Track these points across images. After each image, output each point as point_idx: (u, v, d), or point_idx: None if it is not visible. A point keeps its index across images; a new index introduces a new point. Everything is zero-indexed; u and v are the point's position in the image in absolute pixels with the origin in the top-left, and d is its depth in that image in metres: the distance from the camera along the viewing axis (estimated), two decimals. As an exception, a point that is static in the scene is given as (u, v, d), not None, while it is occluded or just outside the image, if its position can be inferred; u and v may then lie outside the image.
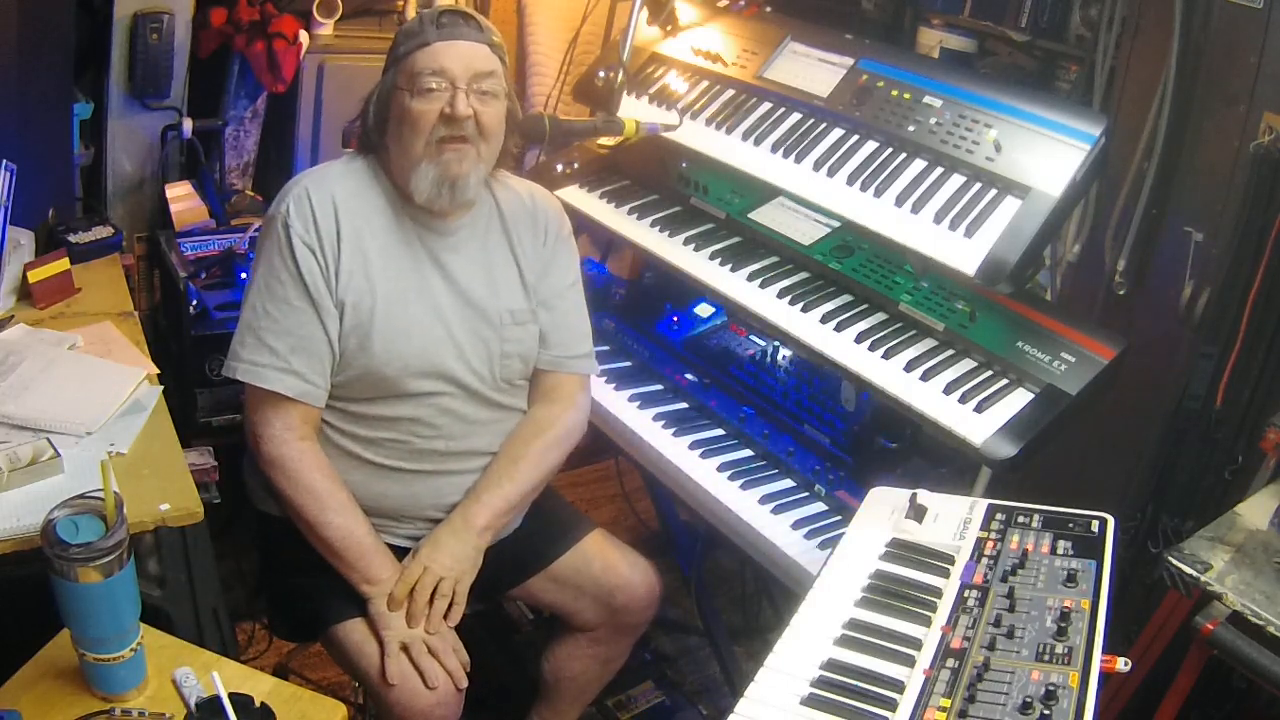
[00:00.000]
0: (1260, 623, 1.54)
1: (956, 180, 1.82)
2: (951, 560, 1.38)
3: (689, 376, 2.16)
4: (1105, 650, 1.17)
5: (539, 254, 1.79)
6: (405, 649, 1.61)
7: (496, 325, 1.73)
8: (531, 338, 1.78)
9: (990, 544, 1.39)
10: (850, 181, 1.91)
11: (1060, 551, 1.35)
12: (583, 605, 1.88)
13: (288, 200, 1.63)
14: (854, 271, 1.95)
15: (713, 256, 2.09)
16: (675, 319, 2.29)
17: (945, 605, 1.30)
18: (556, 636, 1.98)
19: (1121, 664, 1.16)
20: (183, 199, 2.57)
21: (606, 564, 1.87)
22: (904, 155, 1.90)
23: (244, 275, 2.46)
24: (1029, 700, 1.10)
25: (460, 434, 1.73)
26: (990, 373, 1.74)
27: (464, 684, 1.63)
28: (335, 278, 1.62)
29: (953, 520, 1.46)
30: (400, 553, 1.72)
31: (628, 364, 2.23)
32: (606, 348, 2.28)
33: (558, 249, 1.82)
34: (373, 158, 1.70)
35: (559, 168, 2.45)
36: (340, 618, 1.66)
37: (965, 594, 1.31)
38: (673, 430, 2.02)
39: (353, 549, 1.64)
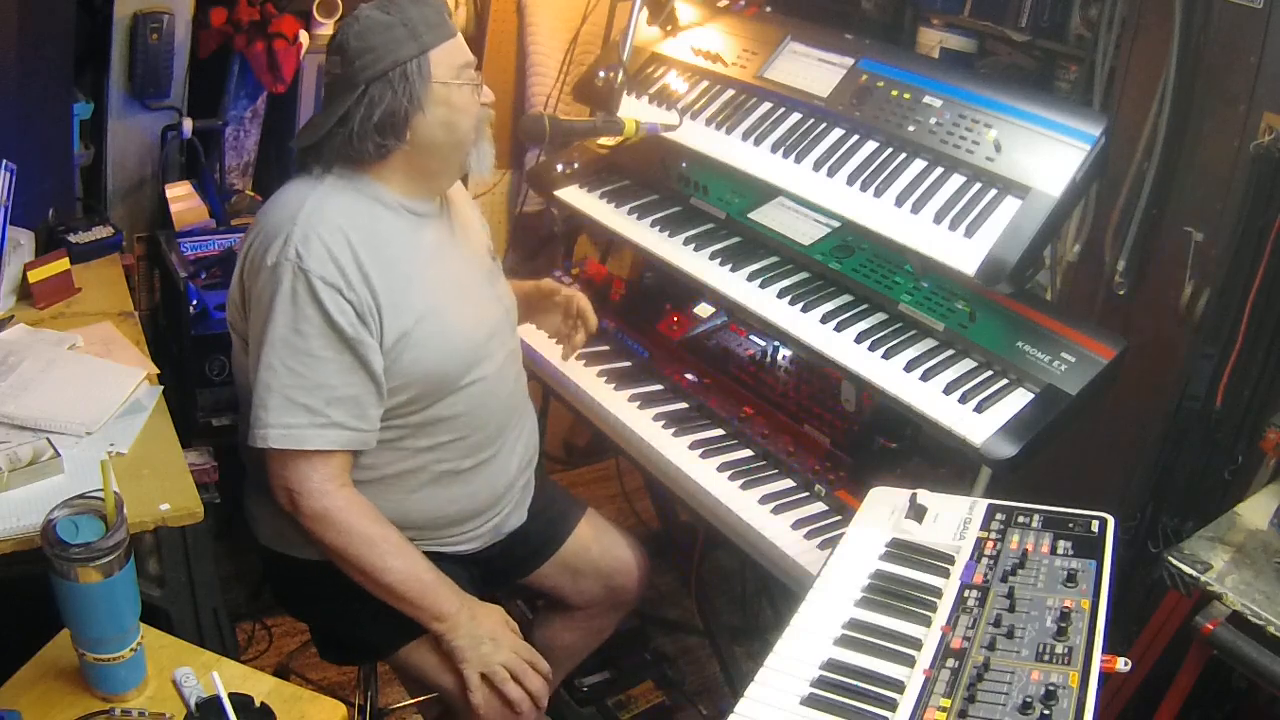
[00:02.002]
0: (1260, 623, 1.54)
1: (956, 180, 1.82)
2: (951, 560, 1.38)
3: (689, 376, 2.16)
4: (1105, 650, 1.17)
5: (470, 206, 1.85)
6: (485, 679, 1.61)
7: (490, 281, 1.77)
8: (507, 283, 1.85)
9: (990, 544, 1.39)
10: (850, 181, 1.91)
11: (1060, 551, 1.35)
12: (582, 586, 1.95)
13: (291, 245, 1.49)
14: (854, 271, 1.95)
15: (713, 256, 2.09)
16: (675, 319, 2.29)
17: (945, 605, 1.30)
18: (551, 610, 2.04)
19: (1121, 664, 1.16)
20: (183, 199, 2.56)
21: (604, 548, 1.95)
22: (904, 155, 1.90)
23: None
24: (1029, 700, 1.10)
25: (504, 400, 1.74)
26: (990, 373, 1.74)
27: (544, 703, 1.65)
28: (376, 313, 1.53)
29: (953, 520, 1.46)
30: (466, 560, 1.77)
31: (628, 364, 2.23)
32: (606, 348, 2.28)
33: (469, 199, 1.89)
34: (343, 169, 1.58)
35: (559, 168, 2.45)
36: (406, 638, 1.65)
37: (965, 594, 1.31)
38: (673, 430, 2.02)
39: (416, 589, 1.58)
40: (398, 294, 1.56)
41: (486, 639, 1.62)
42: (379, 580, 1.57)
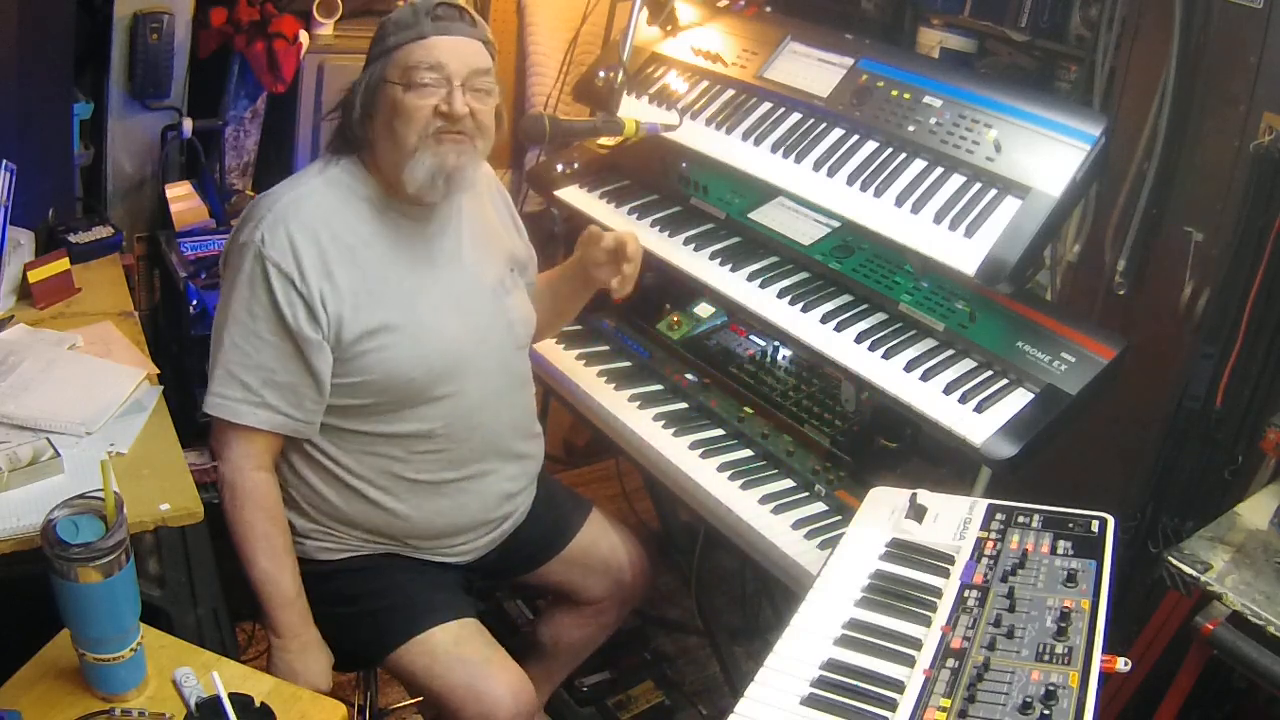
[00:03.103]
0: (1260, 623, 1.54)
1: (956, 180, 1.82)
2: (951, 560, 1.39)
3: (689, 376, 2.16)
4: (1105, 650, 1.17)
5: (504, 218, 1.86)
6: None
7: (495, 296, 1.75)
8: (526, 300, 1.85)
9: (990, 544, 1.39)
10: (850, 181, 1.91)
11: (1060, 551, 1.35)
12: (591, 582, 1.98)
13: (260, 229, 1.54)
14: (854, 271, 1.95)
15: (713, 256, 2.08)
16: (675, 319, 2.29)
17: (945, 605, 1.30)
18: (558, 607, 2.06)
19: (1121, 664, 1.16)
20: (183, 199, 2.56)
21: (611, 545, 2.00)
22: (904, 155, 1.90)
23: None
24: (1029, 700, 1.10)
25: (490, 419, 1.73)
26: (990, 373, 1.74)
27: None
28: (334, 310, 1.55)
29: (953, 520, 1.46)
30: (463, 569, 1.78)
31: (628, 364, 2.23)
32: (606, 348, 2.28)
33: (513, 211, 1.90)
34: (352, 158, 1.63)
35: (559, 168, 2.45)
36: (393, 644, 1.66)
37: (965, 594, 1.31)
38: (673, 430, 2.02)
39: (267, 595, 1.61)
40: (366, 295, 1.57)
41: (300, 678, 1.60)
42: (245, 570, 1.61)
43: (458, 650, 1.67)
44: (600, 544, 1.99)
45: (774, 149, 2.05)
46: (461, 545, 1.77)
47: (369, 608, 1.66)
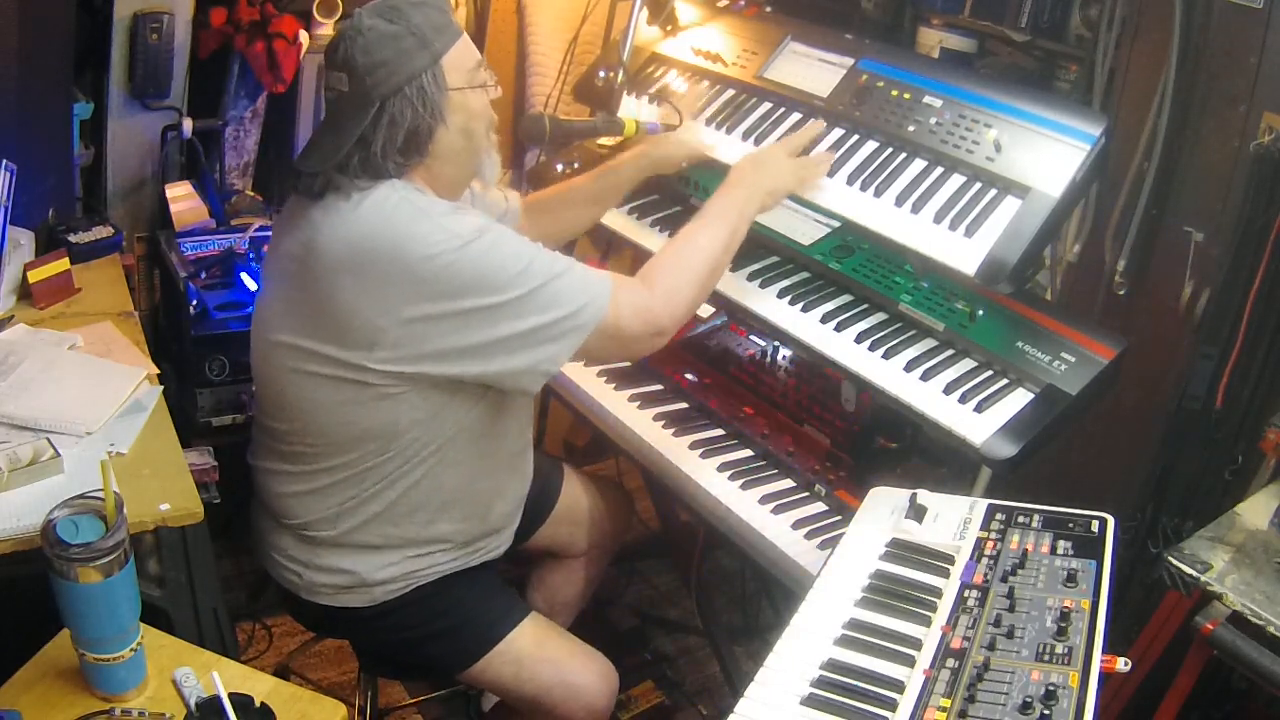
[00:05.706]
0: (1260, 623, 1.54)
1: (956, 180, 1.82)
2: (951, 560, 1.39)
3: (689, 376, 2.16)
4: (1105, 650, 1.17)
5: None
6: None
7: None
8: None
9: (990, 544, 1.39)
10: (850, 181, 1.91)
11: (1060, 551, 1.35)
12: (578, 536, 2.05)
13: (420, 238, 1.42)
14: (854, 271, 1.95)
15: (713, 256, 2.08)
16: (675, 319, 2.29)
17: (945, 605, 1.30)
18: (546, 570, 2.09)
19: (1121, 664, 1.16)
20: (183, 199, 2.56)
21: (592, 497, 2.08)
22: (904, 155, 1.90)
23: (244, 275, 2.45)
24: (1029, 700, 1.10)
25: None
26: (990, 373, 1.74)
27: None
28: None
29: (953, 520, 1.46)
30: (496, 565, 1.78)
31: (628, 364, 2.23)
32: (606, 348, 2.28)
33: None
34: (364, 183, 1.48)
35: (559, 168, 2.44)
36: (473, 659, 1.66)
37: (965, 594, 1.31)
38: (673, 430, 2.02)
39: (729, 225, 1.70)
40: None
41: (772, 178, 1.79)
42: (727, 251, 1.70)
43: (540, 651, 1.69)
44: (583, 496, 2.06)
45: (774, 149, 2.05)
46: (508, 530, 1.79)
47: (437, 628, 1.66)
